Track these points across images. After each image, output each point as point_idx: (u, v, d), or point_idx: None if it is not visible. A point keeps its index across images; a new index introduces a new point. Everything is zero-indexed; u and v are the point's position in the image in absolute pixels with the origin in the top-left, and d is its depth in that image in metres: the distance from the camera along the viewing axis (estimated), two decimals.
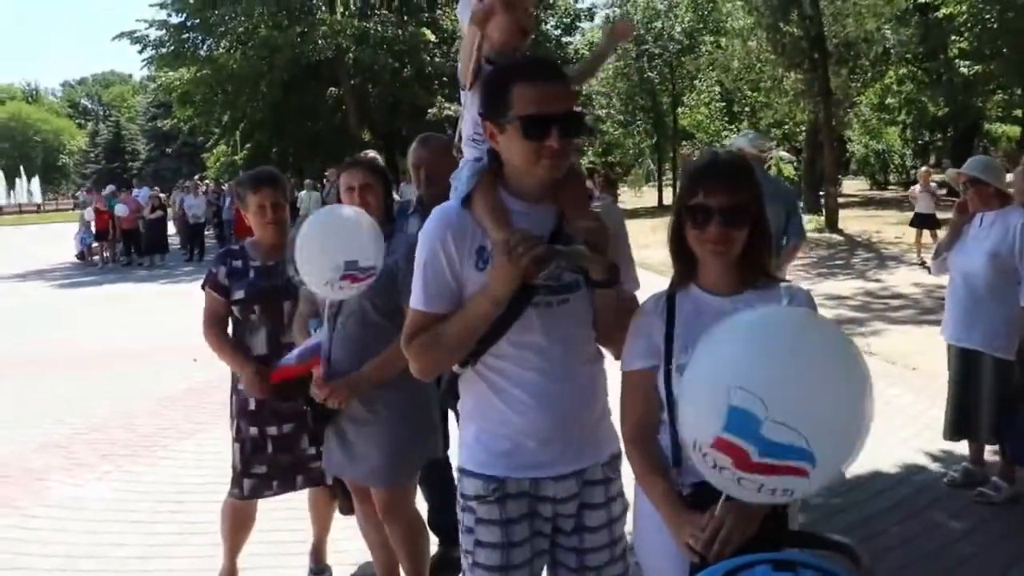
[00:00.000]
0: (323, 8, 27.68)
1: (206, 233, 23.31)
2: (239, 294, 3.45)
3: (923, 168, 18.22)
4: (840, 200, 22.10)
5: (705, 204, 1.91)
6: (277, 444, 3.49)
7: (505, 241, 1.86)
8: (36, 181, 64.51)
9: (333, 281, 2.81)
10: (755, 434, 1.49)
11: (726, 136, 30.52)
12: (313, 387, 3.05)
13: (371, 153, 4.71)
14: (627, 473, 2.11)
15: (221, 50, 27.94)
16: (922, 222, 14.08)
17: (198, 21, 27.57)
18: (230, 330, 3.58)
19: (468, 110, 2.13)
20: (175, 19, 27.78)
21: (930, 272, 5.12)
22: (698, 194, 1.93)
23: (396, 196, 4.00)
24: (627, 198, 34.71)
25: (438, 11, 30.30)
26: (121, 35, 27.82)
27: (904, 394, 6.40)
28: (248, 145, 30.42)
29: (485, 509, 2.05)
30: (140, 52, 27.96)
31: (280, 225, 3.43)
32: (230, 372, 3.57)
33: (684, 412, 1.69)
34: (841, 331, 1.68)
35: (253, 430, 3.48)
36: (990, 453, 4.71)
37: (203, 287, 3.55)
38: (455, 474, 2.15)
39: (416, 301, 2.03)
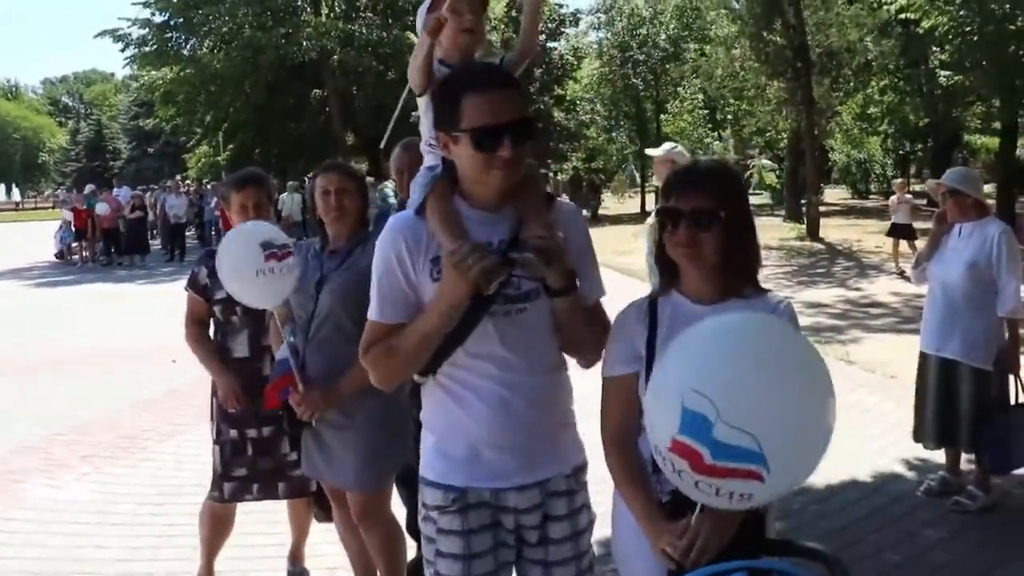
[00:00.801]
0: (308, 10, 27.48)
1: (187, 234, 23.18)
2: (221, 294, 3.42)
3: (899, 180, 18.40)
4: (821, 209, 22.25)
5: (676, 207, 1.96)
6: (257, 447, 3.48)
7: (453, 253, 1.85)
8: (14, 182, 63.74)
9: (262, 268, 2.96)
10: (707, 436, 1.50)
11: (709, 143, 30.68)
12: (291, 398, 3.07)
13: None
14: (595, 482, 2.12)
15: (204, 50, 27.70)
16: (899, 232, 14.22)
17: (181, 20, 27.27)
18: (212, 332, 3.58)
19: (425, 115, 2.11)
20: (158, 18, 27.48)
21: (910, 282, 5.15)
22: (671, 198, 1.98)
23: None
24: (610, 204, 34.98)
25: None
26: (103, 33, 27.47)
27: (883, 402, 6.45)
28: (231, 146, 30.19)
29: (446, 519, 2.03)
30: (122, 51, 27.67)
31: None
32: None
33: (647, 416, 1.70)
34: (804, 338, 1.68)
35: (233, 433, 3.48)
36: (966, 462, 4.73)
37: (186, 288, 3.56)
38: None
39: (372, 311, 2.02)
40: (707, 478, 1.54)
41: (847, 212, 27.50)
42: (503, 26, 27.73)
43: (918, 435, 4.73)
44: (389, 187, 7.35)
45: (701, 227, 1.93)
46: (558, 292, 1.97)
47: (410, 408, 2.19)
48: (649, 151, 6.30)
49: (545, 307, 2.01)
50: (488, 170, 1.91)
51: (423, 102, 2.10)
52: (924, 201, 19.16)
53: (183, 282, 3.59)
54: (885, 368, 7.45)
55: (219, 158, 30.74)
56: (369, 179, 21.11)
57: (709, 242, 1.94)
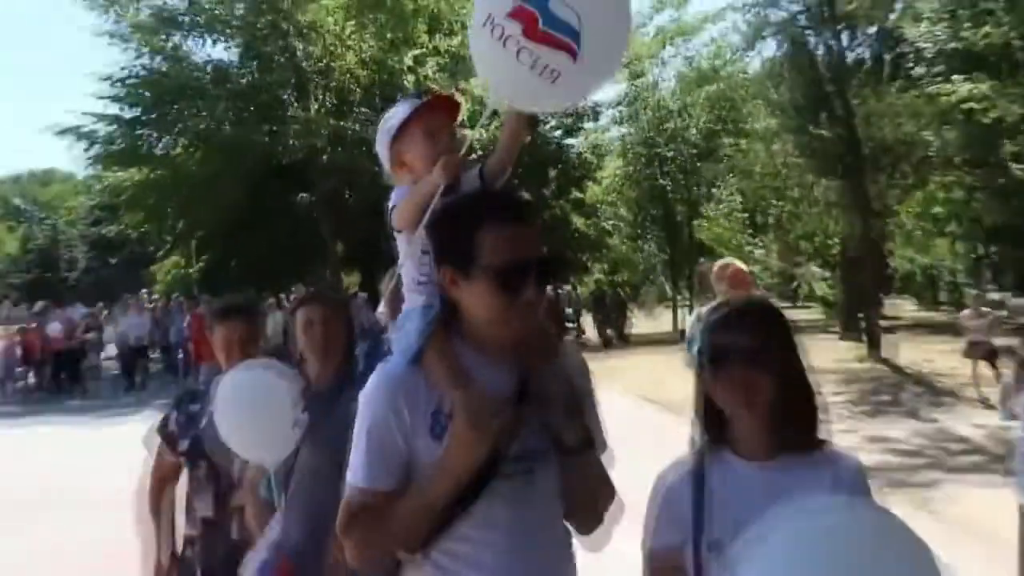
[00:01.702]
0: (295, 104, 28.38)
1: (152, 357, 23.21)
2: (184, 444, 3.48)
3: (974, 292, 18.43)
4: (883, 324, 22.21)
5: (724, 346, 2.03)
6: None
7: (469, 405, 1.89)
8: None
9: (299, 419, 2.97)
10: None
11: (750, 251, 30.86)
12: None
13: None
14: None
15: (179, 149, 28.32)
16: (977, 352, 14.11)
17: (154, 116, 27.92)
18: (184, 485, 3.60)
19: (409, 253, 2.14)
20: (128, 113, 28.11)
21: (997, 412, 5.05)
22: (717, 339, 2.06)
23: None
24: (637, 322, 34.72)
25: None
26: (65, 131, 27.96)
27: (974, 563, 6.14)
28: (204, 256, 30.63)
29: None
30: (87, 150, 28.25)
31: None
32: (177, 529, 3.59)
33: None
34: (921, 544, 1.61)
35: None
36: None
37: (157, 431, 3.60)
38: None
39: (356, 476, 2.00)
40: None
41: (914, 327, 27.42)
42: None
43: None
44: None
45: (756, 367, 2.00)
46: (573, 450, 2.02)
47: None
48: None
49: (553, 468, 2.05)
50: (508, 313, 1.96)
51: (403, 237, 2.15)
52: (1005, 313, 19.09)
53: (145, 415, 3.59)
54: (974, 521, 7.24)
55: (191, 270, 31.26)
56: (362, 295, 21.07)
57: (765, 385, 2.00)
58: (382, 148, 2.21)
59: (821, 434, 2.12)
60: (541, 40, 1.93)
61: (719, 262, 6.35)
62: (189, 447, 3.46)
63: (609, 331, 29.54)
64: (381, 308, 3.71)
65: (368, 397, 2.01)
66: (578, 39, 1.93)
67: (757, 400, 2.01)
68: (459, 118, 2.26)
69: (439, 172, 2.03)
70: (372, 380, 2.03)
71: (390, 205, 2.17)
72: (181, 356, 21.60)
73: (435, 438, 1.95)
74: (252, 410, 2.93)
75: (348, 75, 28.33)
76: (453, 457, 1.90)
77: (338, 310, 3.30)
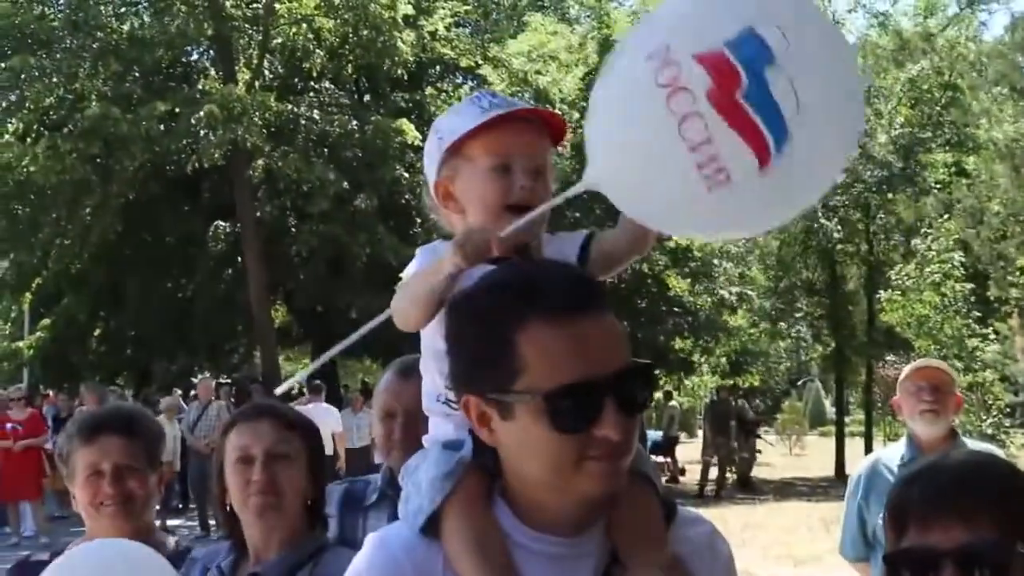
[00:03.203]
0: (211, 70, 28.29)
1: None
2: None
3: None
4: None
5: (927, 546, 2.06)
6: None
7: None
8: None
9: None
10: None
11: (975, 347, 29.28)
12: None
13: None
14: None
15: (9, 136, 28.38)
16: None
17: None
18: None
19: (433, 352, 2.35)
20: None
21: None
22: (913, 529, 2.11)
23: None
24: (774, 456, 34.77)
25: (427, 87, 30.79)
26: None
27: None
28: (46, 321, 30.83)
29: None
30: None
31: (128, 509, 3.56)
32: None
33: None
34: None
35: None
36: None
37: None
38: None
39: None
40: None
41: None
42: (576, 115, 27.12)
43: None
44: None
45: None
46: None
47: None
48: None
49: None
50: (577, 467, 1.99)
51: (433, 332, 2.34)
52: None
53: None
54: None
55: (22, 343, 31.48)
56: (311, 407, 19.38)
57: None
58: (429, 164, 2.43)
59: None
60: (729, 113, 2.04)
61: (910, 366, 6.34)
62: None
63: (729, 470, 29.14)
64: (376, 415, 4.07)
65: None
66: (782, 137, 2.06)
67: None
68: (561, 147, 2.48)
69: (451, 253, 2.20)
70: (361, 559, 2.14)
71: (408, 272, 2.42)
72: None
73: None
74: None
75: (302, 26, 28.64)
76: None
77: (291, 434, 3.40)
